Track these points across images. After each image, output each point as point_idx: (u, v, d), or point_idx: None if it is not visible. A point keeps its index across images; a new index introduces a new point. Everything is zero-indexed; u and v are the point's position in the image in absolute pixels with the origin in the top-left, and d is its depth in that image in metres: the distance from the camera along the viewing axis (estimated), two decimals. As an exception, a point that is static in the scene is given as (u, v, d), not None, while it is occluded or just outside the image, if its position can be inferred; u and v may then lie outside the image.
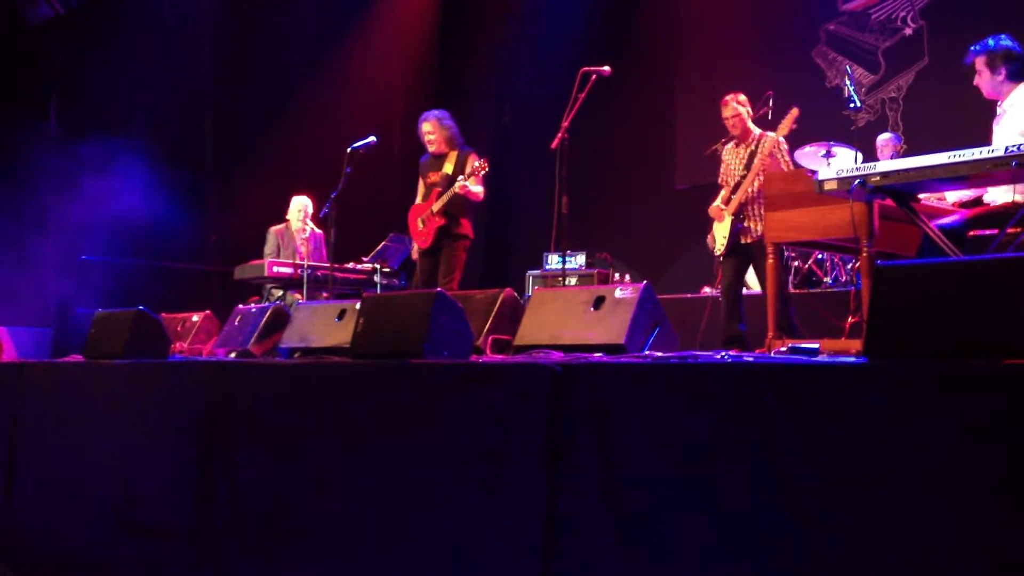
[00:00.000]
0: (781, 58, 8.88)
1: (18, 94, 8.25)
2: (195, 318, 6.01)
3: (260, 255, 7.47)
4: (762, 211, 5.34)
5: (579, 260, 8.24)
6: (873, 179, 3.41)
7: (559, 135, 5.39)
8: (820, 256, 7.12)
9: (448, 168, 6.06)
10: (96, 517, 3.48)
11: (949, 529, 1.58)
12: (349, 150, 6.28)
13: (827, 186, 3.58)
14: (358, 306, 3.19)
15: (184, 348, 5.71)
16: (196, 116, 9.18)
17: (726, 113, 5.74)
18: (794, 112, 5.65)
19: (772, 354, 3.31)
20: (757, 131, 5.75)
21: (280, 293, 7.24)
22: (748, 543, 1.82)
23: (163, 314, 4.90)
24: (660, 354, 2.69)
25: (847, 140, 6.67)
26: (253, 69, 9.44)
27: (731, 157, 5.83)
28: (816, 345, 2.98)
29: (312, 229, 7.69)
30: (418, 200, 6.25)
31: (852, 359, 1.97)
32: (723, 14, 9.39)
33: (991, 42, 4.19)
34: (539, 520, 2.13)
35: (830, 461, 1.72)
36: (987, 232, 3.83)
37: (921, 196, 3.79)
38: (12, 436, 3.98)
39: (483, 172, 5.98)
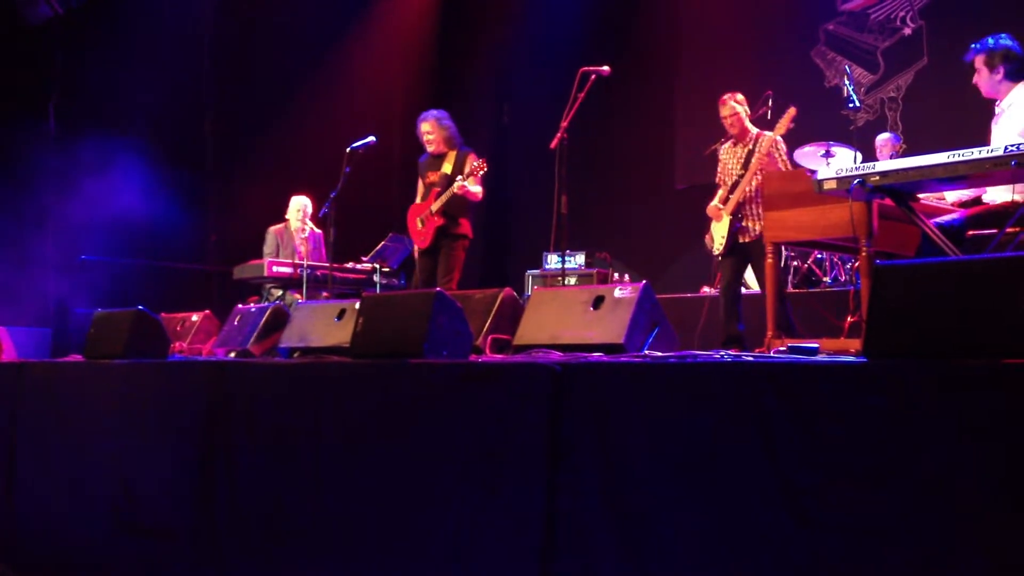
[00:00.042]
0: (780, 58, 8.87)
1: (18, 94, 8.24)
2: (195, 318, 6.01)
3: (259, 255, 7.46)
4: (760, 210, 5.35)
5: (578, 260, 8.25)
6: (872, 179, 3.42)
7: (558, 135, 5.39)
8: (819, 256, 7.12)
9: (447, 168, 6.06)
10: (96, 517, 3.48)
11: (949, 529, 1.58)
12: (349, 150, 6.28)
13: (826, 186, 3.58)
14: (358, 306, 3.19)
15: (184, 348, 5.71)
16: (196, 116, 9.17)
17: (724, 112, 5.74)
18: (791, 111, 5.65)
19: (771, 354, 3.31)
20: (755, 130, 5.75)
21: (279, 293, 7.24)
22: (748, 543, 1.82)
23: (163, 314, 4.91)
24: (659, 354, 2.69)
25: (846, 140, 6.67)
26: (253, 69, 9.44)
27: (728, 156, 5.83)
28: (815, 345, 2.98)
29: (311, 229, 7.68)
30: (417, 200, 6.25)
31: (851, 359, 1.97)
32: (723, 14, 9.38)
33: (991, 41, 4.19)
34: (539, 520, 2.13)
35: (830, 461, 1.73)
36: (986, 231, 3.83)
37: (920, 196, 3.79)
38: (12, 436, 3.98)
39: (482, 172, 5.98)
